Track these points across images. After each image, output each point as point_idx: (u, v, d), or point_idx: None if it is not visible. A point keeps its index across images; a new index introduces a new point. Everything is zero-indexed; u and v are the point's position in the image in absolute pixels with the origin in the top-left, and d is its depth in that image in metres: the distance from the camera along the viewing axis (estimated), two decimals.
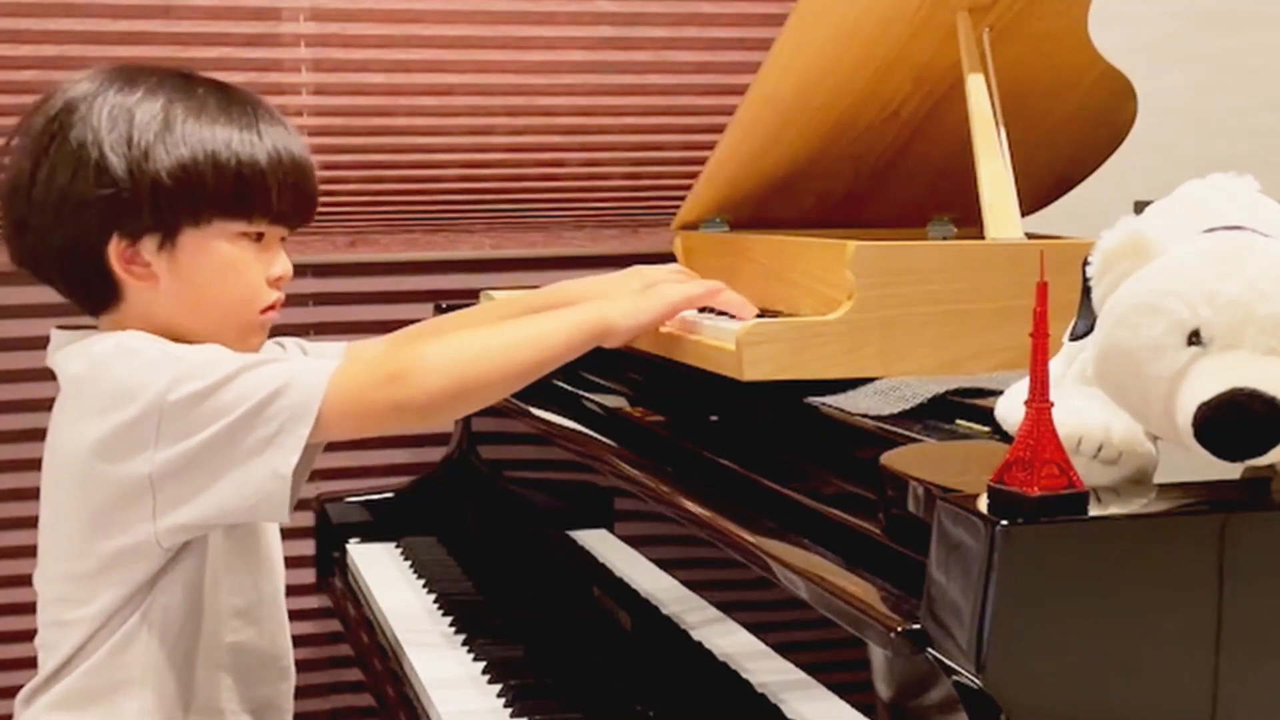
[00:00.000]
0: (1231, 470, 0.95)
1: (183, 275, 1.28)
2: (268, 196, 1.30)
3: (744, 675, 1.25)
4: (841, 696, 1.08)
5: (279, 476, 1.21)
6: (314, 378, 1.23)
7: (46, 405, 1.28)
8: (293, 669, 1.44)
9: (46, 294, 2.17)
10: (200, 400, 1.21)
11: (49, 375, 1.33)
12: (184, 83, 1.30)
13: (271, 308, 1.35)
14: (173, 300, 1.29)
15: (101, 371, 1.25)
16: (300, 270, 2.19)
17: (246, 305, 1.32)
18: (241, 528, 1.36)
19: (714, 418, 1.52)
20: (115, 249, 1.27)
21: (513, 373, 1.29)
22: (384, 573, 1.95)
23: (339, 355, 1.53)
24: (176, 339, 1.29)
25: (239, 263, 1.30)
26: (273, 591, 1.42)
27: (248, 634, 1.37)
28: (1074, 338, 1.02)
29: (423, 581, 1.88)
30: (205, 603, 1.32)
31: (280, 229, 1.34)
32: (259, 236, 1.32)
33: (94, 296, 1.30)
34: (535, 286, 1.78)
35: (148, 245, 1.27)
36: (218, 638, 1.34)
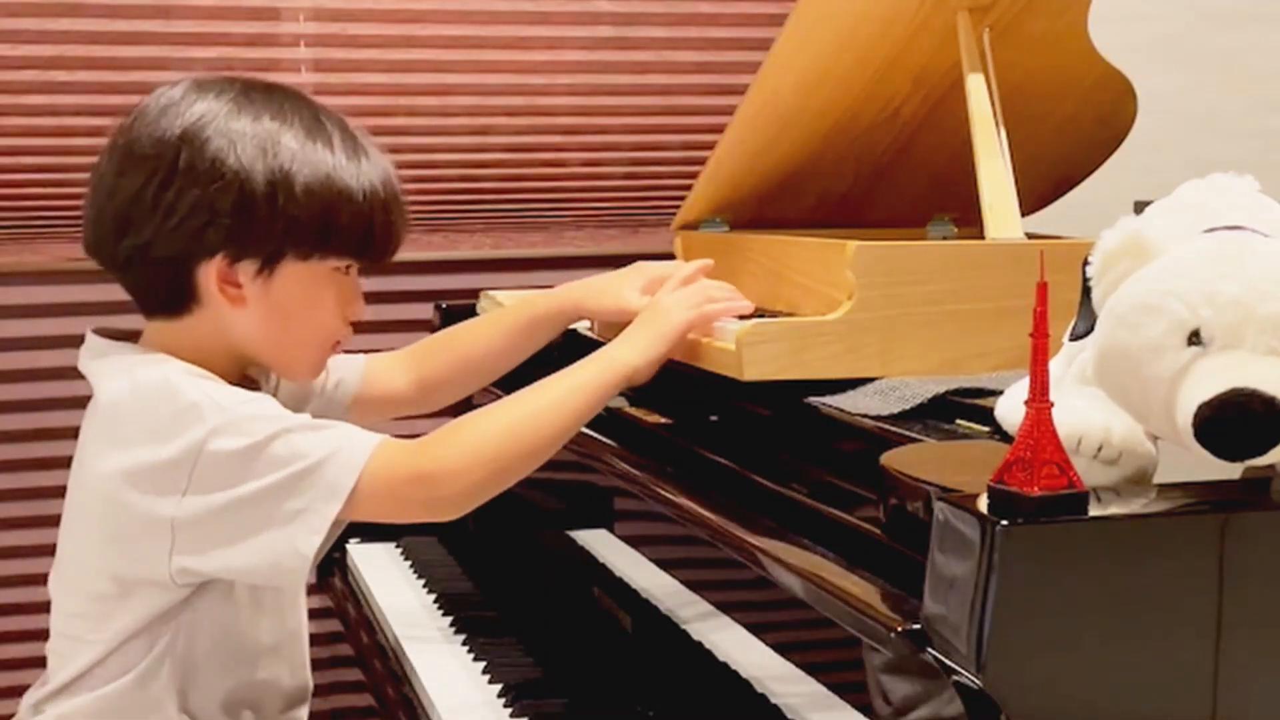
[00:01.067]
0: (1231, 470, 0.95)
1: (272, 304, 1.27)
2: (385, 239, 1.30)
3: (743, 675, 1.25)
4: (842, 696, 1.08)
5: (300, 555, 1.20)
6: (351, 458, 1.20)
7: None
8: (309, 694, 1.44)
9: (47, 294, 2.18)
10: (238, 457, 1.19)
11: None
12: (311, 112, 1.29)
13: (339, 342, 1.34)
14: (252, 325, 1.28)
15: (142, 404, 1.23)
16: None
17: (321, 341, 1.32)
18: None
19: (714, 418, 1.52)
20: (216, 266, 1.25)
21: (542, 448, 1.27)
22: (384, 573, 1.95)
23: (359, 369, 1.53)
24: (238, 358, 1.29)
25: (327, 300, 1.30)
26: (298, 626, 1.41)
27: (274, 671, 1.36)
28: (1074, 338, 1.02)
29: (423, 581, 1.89)
30: (234, 643, 1.31)
31: (364, 265, 1.33)
32: (347, 270, 1.31)
33: (166, 302, 1.29)
34: (535, 287, 1.78)
35: (246, 269, 1.26)
36: (244, 677, 1.33)
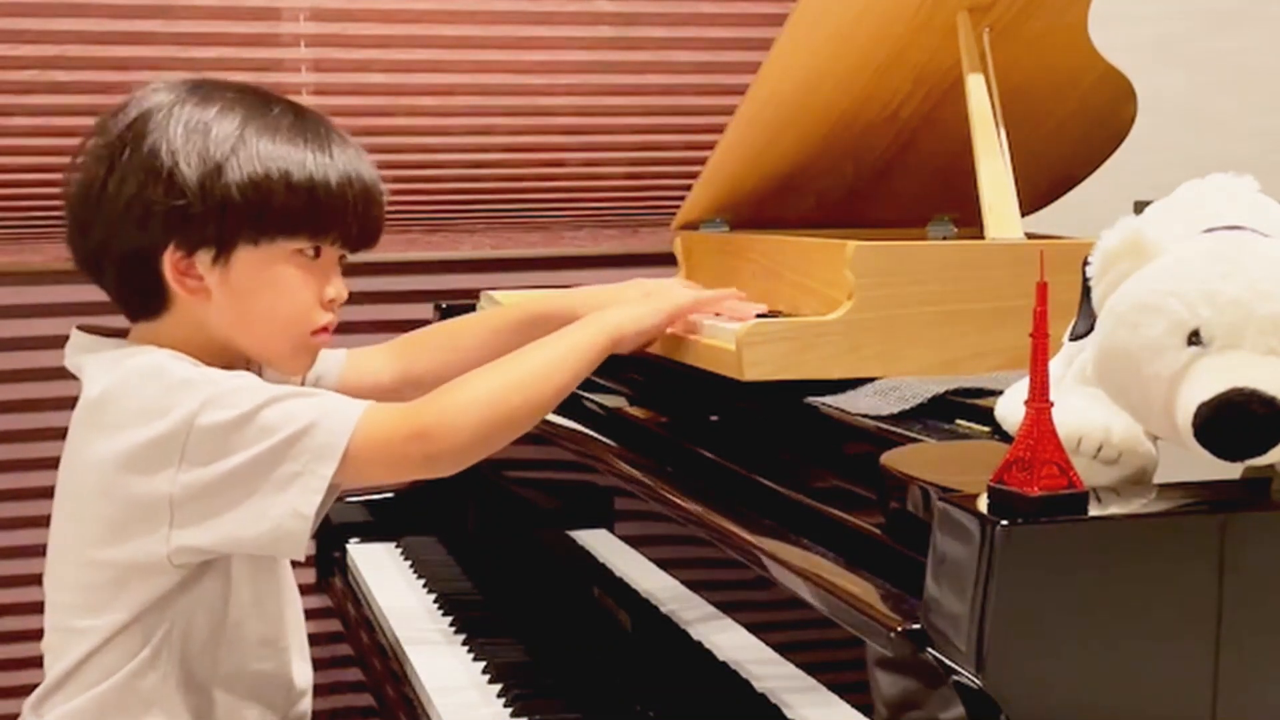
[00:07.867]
0: (1231, 470, 0.95)
1: (234, 291, 1.27)
2: (337, 217, 1.29)
3: (744, 675, 1.25)
4: (842, 696, 1.08)
5: (300, 516, 1.20)
6: (343, 420, 1.22)
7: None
8: (310, 687, 1.43)
9: (47, 294, 2.18)
10: (229, 428, 1.20)
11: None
12: (260, 101, 1.29)
13: (324, 329, 1.33)
14: (222, 315, 1.27)
15: (132, 387, 1.24)
16: None
17: (296, 325, 1.31)
18: (263, 557, 1.35)
19: (714, 418, 1.52)
20: (170, 258, 1.25)
21: (535, 406, 1.29)
22: (384, 573, 1.95)
23: (339, 363, 1.53)
24: (222, 351, 1.29)
25: (292, 282, 1.29)
26: (294, 616, 1.41)
27: (273, 662, 1.36)
28: (1074, 338, 1.02)
29: (423, 581, 1.89)
30: (228, 631, 1.31)
31: (339, 250, 1.32)
32: (316, 253, 1.30)
33: (143, 303, 1.29)
34: (535, 287, 1.78)
35: (202, 258, 1.26)
36: (241, 666, 1.33)
